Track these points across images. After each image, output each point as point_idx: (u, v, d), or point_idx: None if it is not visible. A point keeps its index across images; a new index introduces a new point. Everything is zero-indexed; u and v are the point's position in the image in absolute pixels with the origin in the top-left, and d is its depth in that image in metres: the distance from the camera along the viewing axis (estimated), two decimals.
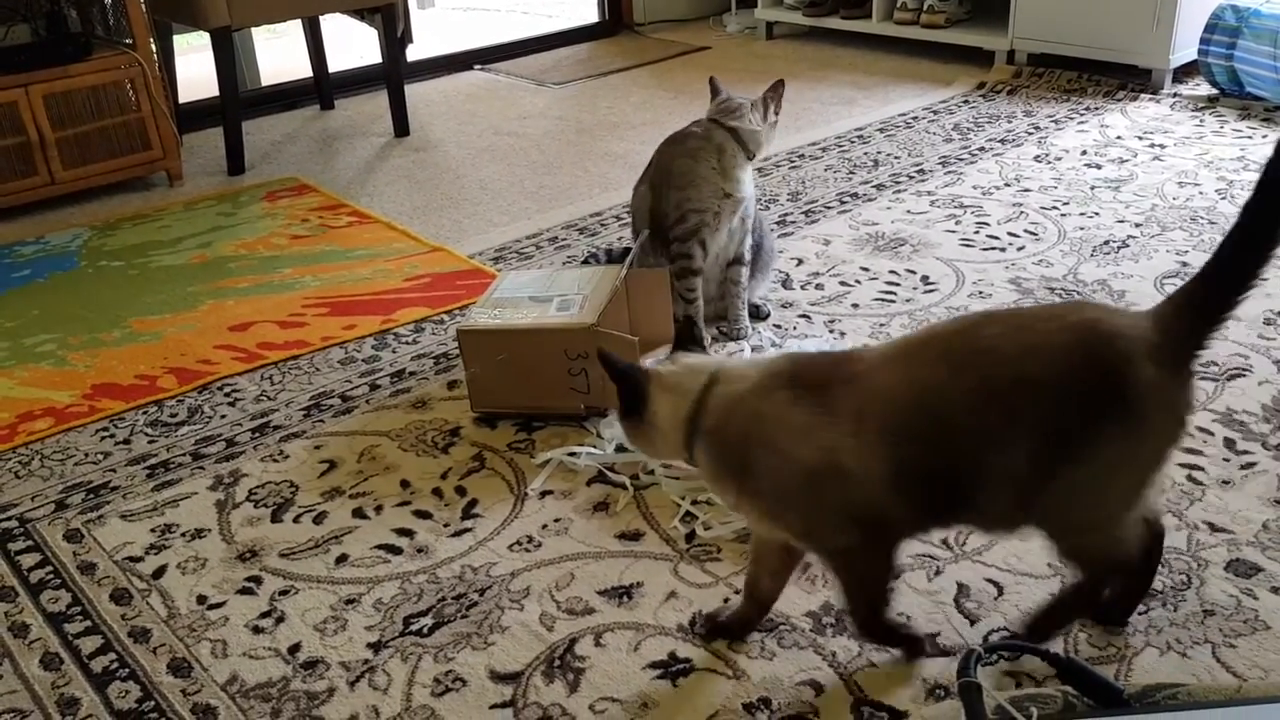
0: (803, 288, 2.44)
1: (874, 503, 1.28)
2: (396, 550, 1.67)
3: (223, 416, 2.08)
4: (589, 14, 5.22)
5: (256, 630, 1.52)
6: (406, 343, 2.31)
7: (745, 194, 2.17)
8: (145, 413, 2.11)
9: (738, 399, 1.33)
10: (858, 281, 2.46)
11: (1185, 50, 3.61)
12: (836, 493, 1.29)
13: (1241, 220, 1.23)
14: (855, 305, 2.35)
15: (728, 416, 1.33)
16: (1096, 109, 3.57)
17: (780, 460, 1.29)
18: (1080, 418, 1.22)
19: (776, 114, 2.21)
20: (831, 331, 2.24)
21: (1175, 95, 3.62)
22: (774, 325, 2.28)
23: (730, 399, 1.33)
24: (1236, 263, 1.23)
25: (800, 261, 2.57)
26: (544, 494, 1.78)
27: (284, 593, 1.59)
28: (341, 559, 1.66)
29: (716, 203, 2.15)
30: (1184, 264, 2.43)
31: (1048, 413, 1.22)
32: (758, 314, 2.31)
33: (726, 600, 1.51)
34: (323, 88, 4.07)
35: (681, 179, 2.15)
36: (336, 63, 4.16)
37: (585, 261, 2.46)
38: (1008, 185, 2.96)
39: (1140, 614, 1.44)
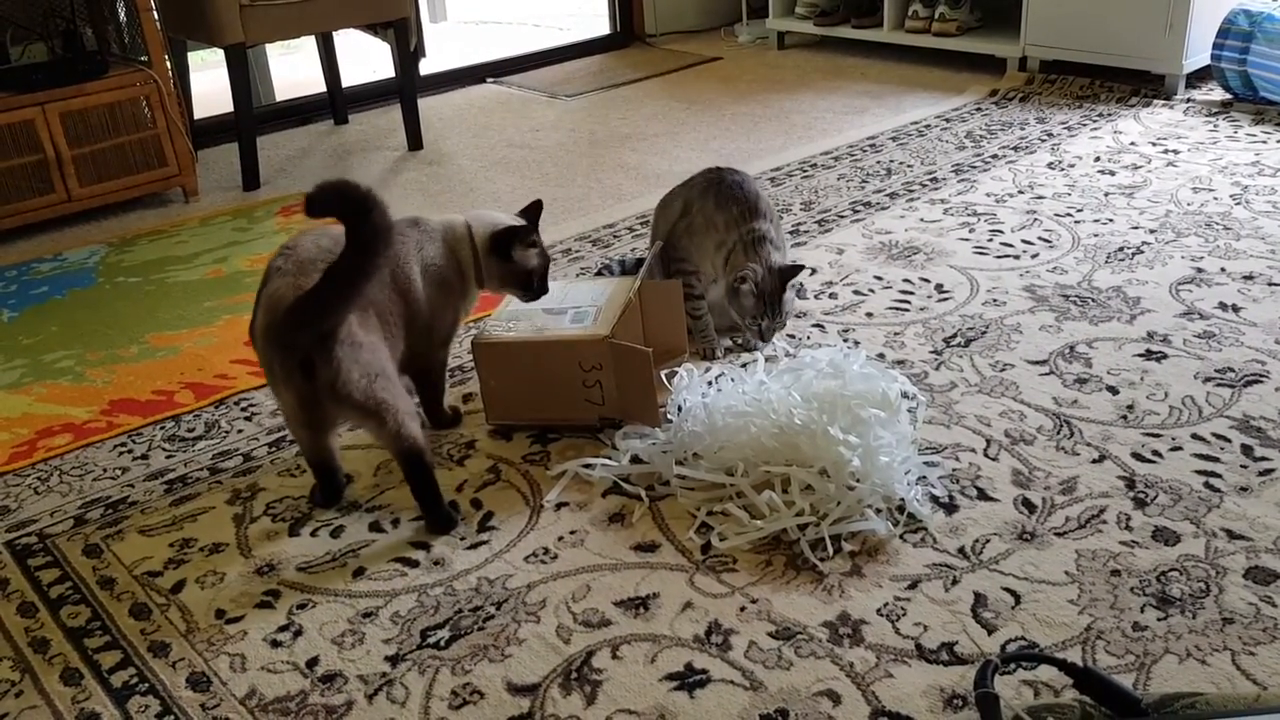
0: (816, 297, 2.44)
1: None
2: (413, 563, 1.67)
3: (240, 431, 2.09)
4: (600, 26, 5.25)
5: (275, 644, 1.53)
6: None
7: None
8: (163, 428, 2.12)
9: None
10: (871, 290, 2.46)
11: (1198, 55, 3.61)
12: None
13: (336, 267, 1.53)
14: (869, 314, 2.35)
15: None
16: (1109, 115, 3.56)
17: None
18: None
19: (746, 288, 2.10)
20: (845, 340, 2.24)
21: (1188, 101, 3.61)
22: (788, 335, 2.28)
23: None
24: (325, 299, 1.54)
25: (814, 271, 2.57)
26: (559, 506, 1.79)
27: (302, 606, 1.60)
28: (359, 572, 1.66)
29: (715, 271, 2.21)
30: (1199, 269, 2.42)
31: None
32: None
33: (743, 609, 1.51)
34: (336, 102, 4.09)
35: (695, 232, 2.21)
36: (350, 77, 4.19)
37: (599, 273, 2.47)
38: (1021, 193, 2.96)
39: (1159, 621, 1.43)
